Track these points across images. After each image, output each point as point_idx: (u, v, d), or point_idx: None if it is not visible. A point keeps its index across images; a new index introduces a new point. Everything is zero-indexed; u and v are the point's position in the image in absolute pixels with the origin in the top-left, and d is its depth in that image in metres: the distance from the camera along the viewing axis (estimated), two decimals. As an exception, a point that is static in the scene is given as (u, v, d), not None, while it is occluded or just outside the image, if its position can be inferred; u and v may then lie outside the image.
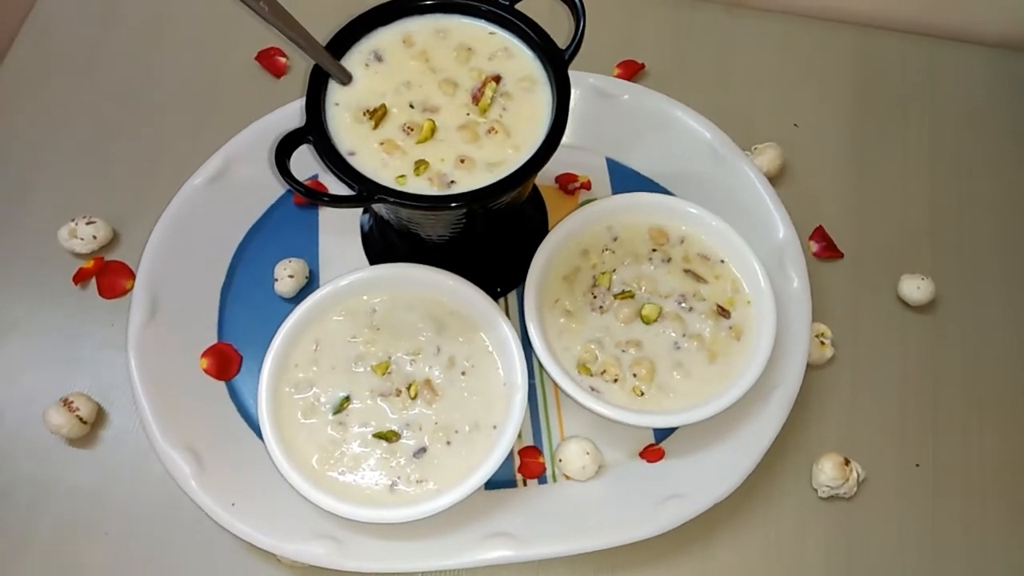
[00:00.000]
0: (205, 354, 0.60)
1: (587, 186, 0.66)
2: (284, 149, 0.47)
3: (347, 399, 0.55)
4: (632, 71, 0.72)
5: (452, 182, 0.49)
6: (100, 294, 0.63)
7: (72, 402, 0.58)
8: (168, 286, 0.60)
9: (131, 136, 0.69)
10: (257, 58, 0.72)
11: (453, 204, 0.48)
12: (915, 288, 0.64)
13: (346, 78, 0.51)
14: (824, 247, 0.66)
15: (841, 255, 0.66)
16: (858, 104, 0.72)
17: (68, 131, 0.69)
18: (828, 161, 0.70)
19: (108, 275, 0.64)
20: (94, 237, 0.64)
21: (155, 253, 0.61)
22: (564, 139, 0.66)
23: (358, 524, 0.52)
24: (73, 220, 0.64)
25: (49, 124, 0.69)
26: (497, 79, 0.52)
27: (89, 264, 0.64)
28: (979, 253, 0.67)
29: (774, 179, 0.67)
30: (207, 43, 0.73)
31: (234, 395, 0.59)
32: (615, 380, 0.56)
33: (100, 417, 0.60)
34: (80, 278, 0.63)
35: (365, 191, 0.47)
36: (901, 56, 0.74)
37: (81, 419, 0.58)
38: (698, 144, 0.66)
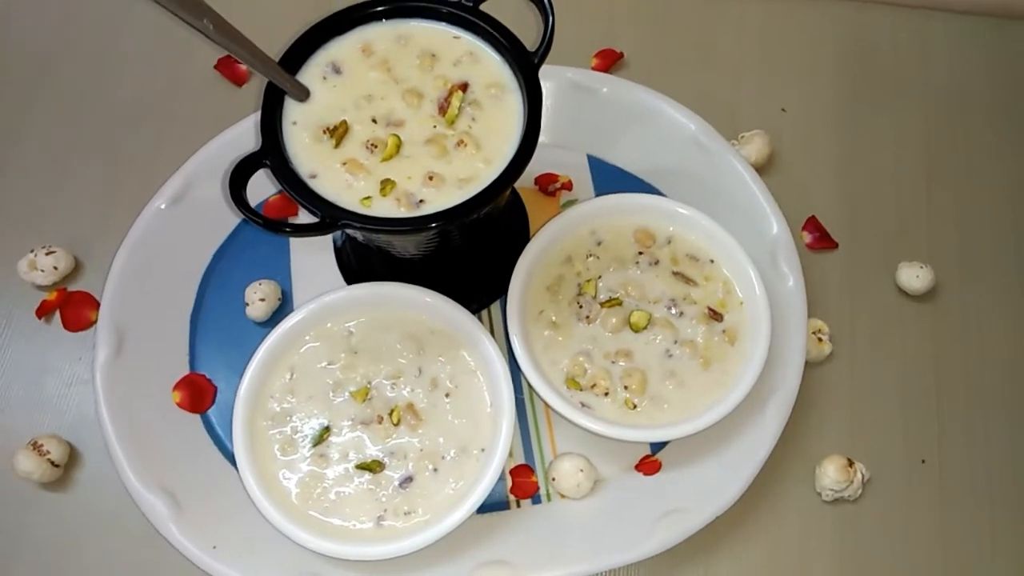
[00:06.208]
0: (177, 386, 0.57)
1: (568, 186, 0.64)
2: (239, 177, 0.44)
3: (327, 430, 0.53)
4: (610, 61, 0.68)
5: (421, 201, 0.47)
6: (65, 327, 0.61)
7: (42, 445, 0.56)
8: (134, 317, 0.58)
9: (88, 157, 0.66)
10: (217, 67, 0.68)
11: (422, 227, 0.45)
12: (914, 276, 0.61)
13: (303, 94, 0.48)
14: (818, 238, 0.63)
15: (836, 245, 0.63)
16: (847, 84, 0.69)
17: (19, 155, 0.66)
18: (819, 146, 0.67)
19: (72, 307, 0.61)
20: (55, 268, 0.61)
21: (118, 283, 0.58)
22: (543, 138, 0.63)
23: (345, 560, 0.50)
24: (32, 251, 0.61)
25: None
26: (464, 87, 0.49)
27: (52, 296, 0.61)
28: (979, 237, 0.64)
29: (763, 169, 0.64)
30: (163, 55, 0.69)
31: (209, 429, 0.56)
32: (606, 393, 0.54)
33: (73, 458, 0.57)
34: (43, 311, 0.61)
35: (328, 217, 0.45)
36: (891, 30, 0.71)
37: (52, 462, 0.56)
38: (682, 136, 0.63)
